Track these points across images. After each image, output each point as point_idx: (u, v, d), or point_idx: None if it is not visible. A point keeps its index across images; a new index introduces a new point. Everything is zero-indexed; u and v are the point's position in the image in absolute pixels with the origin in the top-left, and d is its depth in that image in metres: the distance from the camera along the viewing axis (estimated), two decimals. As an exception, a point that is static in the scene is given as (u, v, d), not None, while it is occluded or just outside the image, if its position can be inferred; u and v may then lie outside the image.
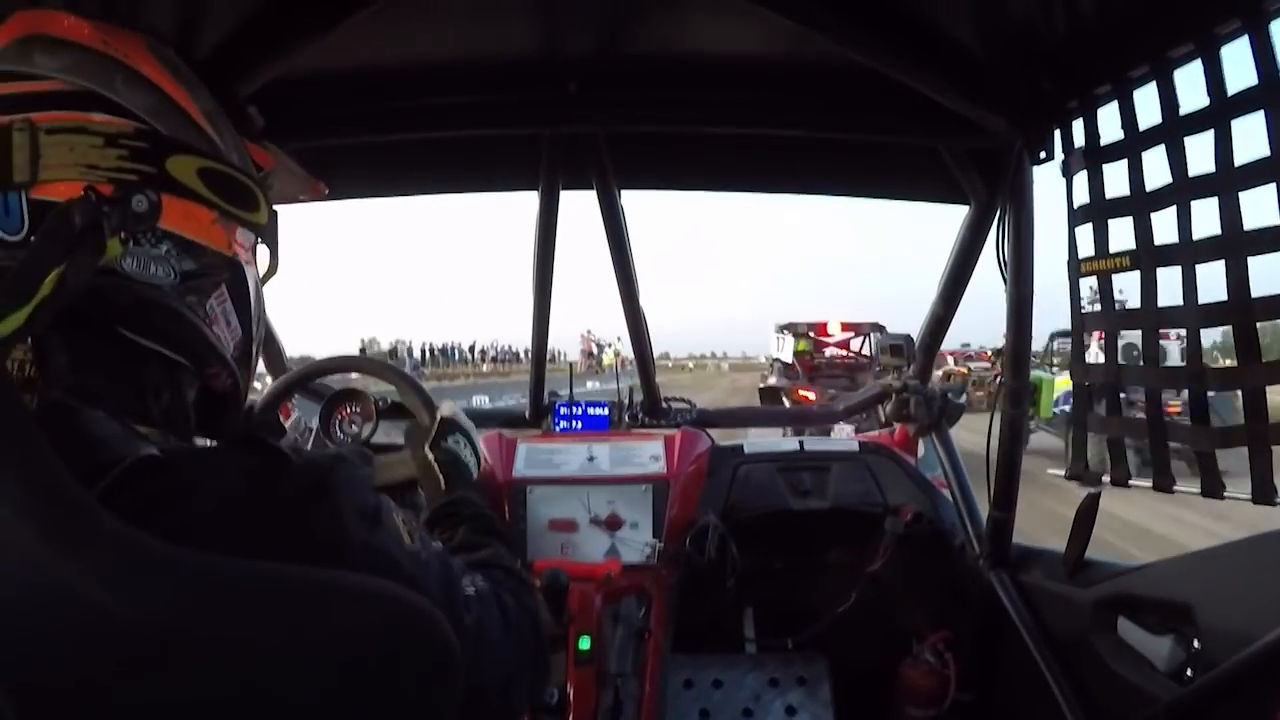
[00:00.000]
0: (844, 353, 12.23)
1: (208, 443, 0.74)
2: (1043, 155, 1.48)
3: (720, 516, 1.83)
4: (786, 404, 10.09)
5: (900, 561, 1.90)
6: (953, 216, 1.86)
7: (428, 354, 46.20)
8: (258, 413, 1.55)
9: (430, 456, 1.14)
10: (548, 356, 2.22)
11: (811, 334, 12.30)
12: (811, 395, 9.97)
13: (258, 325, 0.77)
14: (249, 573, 0.52)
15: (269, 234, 0.77)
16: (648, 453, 1.92)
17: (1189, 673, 1.23)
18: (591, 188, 1.88)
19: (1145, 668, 1.31)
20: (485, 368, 49.95)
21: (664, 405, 2.20)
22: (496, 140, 1.79)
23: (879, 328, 11.54)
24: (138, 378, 0.66)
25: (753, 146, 1.83)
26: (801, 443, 2.04)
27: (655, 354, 2.29)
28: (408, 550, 0.64)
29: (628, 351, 2.31)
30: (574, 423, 2.12)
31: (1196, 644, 1.23)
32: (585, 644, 1.63)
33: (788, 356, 12.17)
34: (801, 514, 1.93)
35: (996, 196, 1.66)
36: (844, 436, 2.49)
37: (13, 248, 0.59)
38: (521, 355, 47.67)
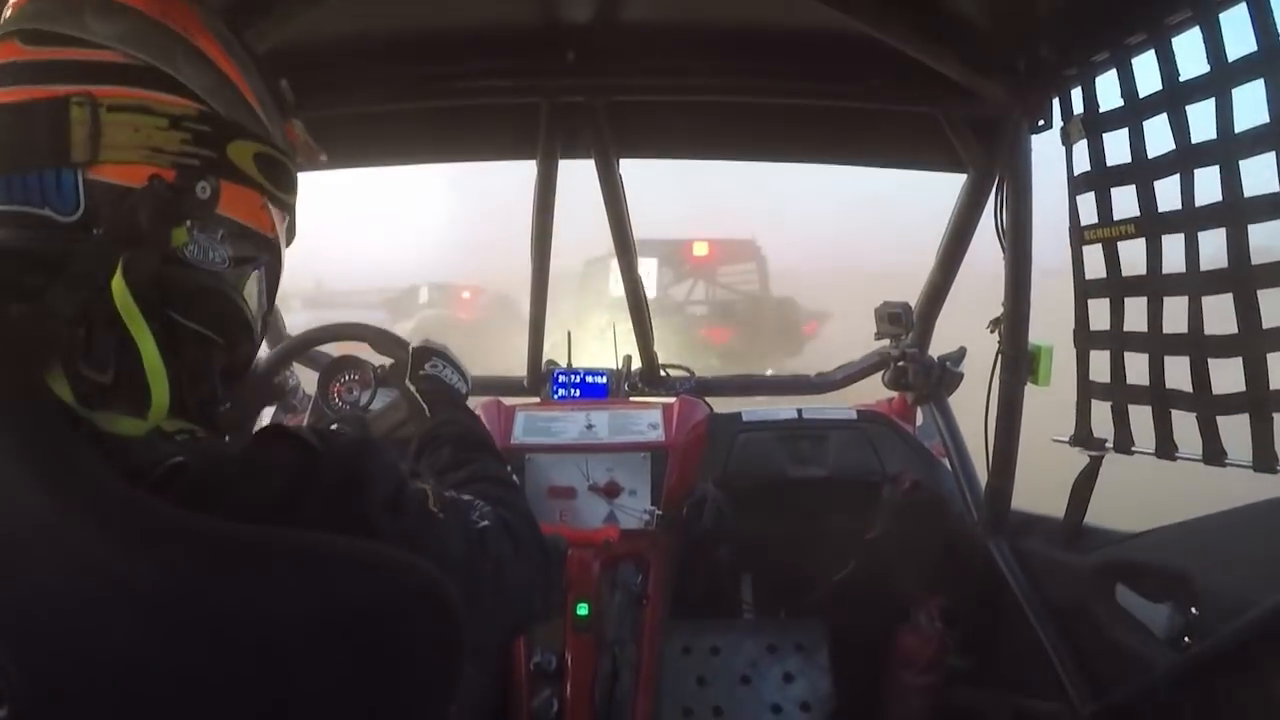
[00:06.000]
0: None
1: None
2: (1041, 123, 1.47)
3: (718, 484, 1.83)
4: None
5: (898, 529, 1.90)
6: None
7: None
8: (255, 380, 1.53)
9: (412, 389, 1.15)
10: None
11: None
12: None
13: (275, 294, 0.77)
14: (259, 538, 0.53)
15: (294, 209, 0.76)
16: (646, 421, 1.91)
17: (1186, 639, 1.24)
18: (590, 157, 1.86)
19: (1143, 634, 1.31)
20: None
21: (662, 374, 2.20)
22: (495, 109, 1.77)
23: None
24: (175, 366, 0.62)
25: (751, 115, 1.82)
26: (800, 411, 2.03)
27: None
28: (432, 516, 0.67)
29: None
30: (572, 390, 2.12)
31: (1194, 611, 1.23)
32: (583, 610, 1.64)
33: None
34: (800, 482, 1.93)
35: (995, 165, 1.65)
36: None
37: (63, 230, 0.56)
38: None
